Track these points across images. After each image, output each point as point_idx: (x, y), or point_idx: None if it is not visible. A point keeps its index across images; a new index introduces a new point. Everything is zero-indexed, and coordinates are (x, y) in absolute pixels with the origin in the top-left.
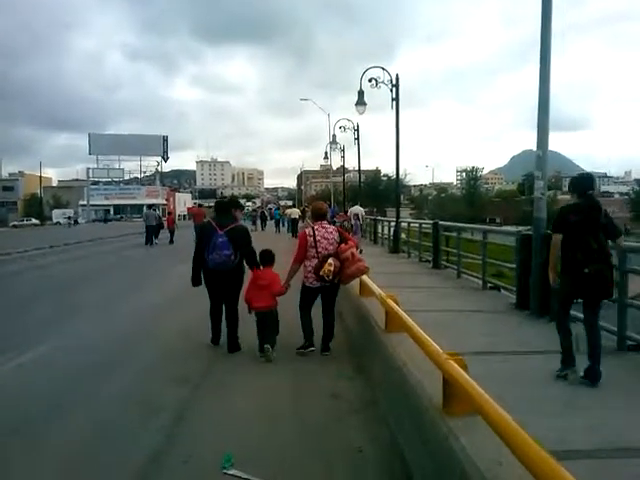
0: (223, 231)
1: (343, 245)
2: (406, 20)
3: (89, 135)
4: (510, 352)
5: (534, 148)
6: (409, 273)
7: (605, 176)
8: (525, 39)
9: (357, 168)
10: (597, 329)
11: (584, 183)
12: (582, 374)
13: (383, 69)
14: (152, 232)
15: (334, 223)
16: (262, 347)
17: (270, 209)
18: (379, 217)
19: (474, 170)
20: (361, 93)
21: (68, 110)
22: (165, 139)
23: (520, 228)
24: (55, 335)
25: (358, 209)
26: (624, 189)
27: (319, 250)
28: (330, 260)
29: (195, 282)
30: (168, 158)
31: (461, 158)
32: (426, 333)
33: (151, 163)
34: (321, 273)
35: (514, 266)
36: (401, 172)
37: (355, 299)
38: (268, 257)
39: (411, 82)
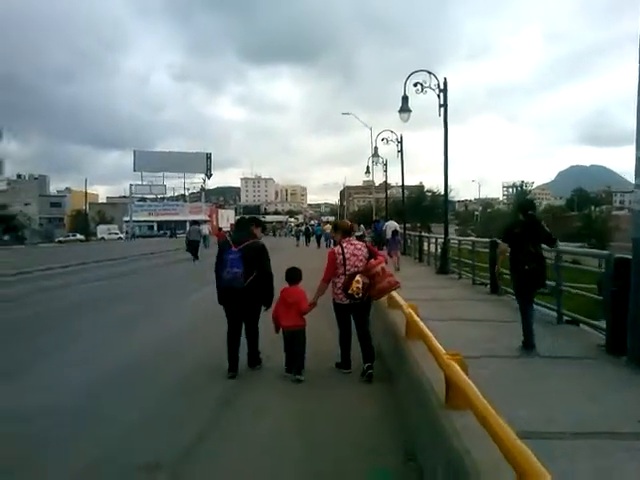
0: (237, 248)
1: (372, 261)
2: (448, 38)
3: (134, 152)
4: (632, 435)
5: (582, 163)
6: (464, 299)
7: None
8: (568, 56)
9: (399, 184)
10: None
11: (526, 206)
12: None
13: (429, 73)
14: (195, 247)
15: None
16: (289, 367)
17: (312, 225)
18: (424, 233)
19: (524, 184)
20: (405, 99)
21: (118, 129)
22: (209, 156)
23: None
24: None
25: (393, 224)
26: None
27: (348, 267)
28: (357, 277)
29: (219, 299)
30: (212, 175)
31: (506, 174)
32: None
33: (197, 180)
34: (349, 291)
35: (595, 295)
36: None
37: (399, 340)
38: (294, 275)
39: (454, 99)
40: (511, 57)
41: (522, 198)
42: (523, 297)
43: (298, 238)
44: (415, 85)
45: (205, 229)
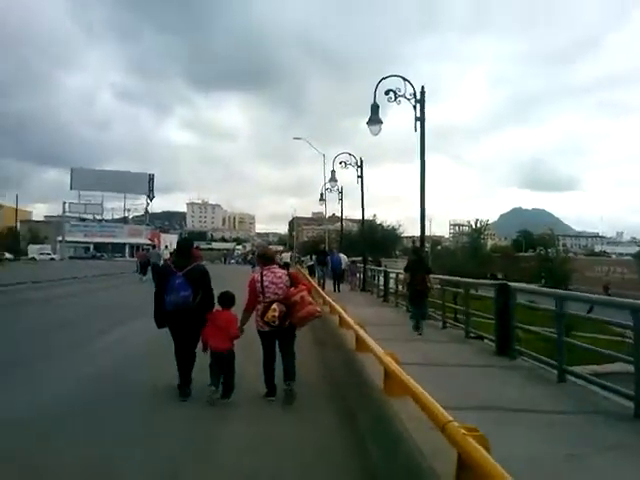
0: (180, 272)
1: (292, 289)
2: (396, 79)
3: (71, 170)
4: None
5: (523, 206)
6: (466, 365)
7: (597, 236)
8: (508, 100)
9: (347, 217)
10: (426, 312)
11: (416, 250)
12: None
13: (404, 79)
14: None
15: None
16: (214, 385)
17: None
18: (388, 268)
19: (479, 222)
20: (376, 107)
21: (59, 147)
22: (151, 177)
23: None
24: None
25: (344, 257)
26: (618, 250)
27: (267, 295)
28: (274, 305)
29: (159, 324)
30: (154, 197)
31: (451, 212)
32: None
33: (139, 202)
34: (265, 319)
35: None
36: (395, 223)
37: None
38: (227, 299)
39: (401, 139)
40: (456, 100)
41: (476, 235)
42: (414, 304)
43: (253, 266)
44: (387, 93)
45: (166, 253)
